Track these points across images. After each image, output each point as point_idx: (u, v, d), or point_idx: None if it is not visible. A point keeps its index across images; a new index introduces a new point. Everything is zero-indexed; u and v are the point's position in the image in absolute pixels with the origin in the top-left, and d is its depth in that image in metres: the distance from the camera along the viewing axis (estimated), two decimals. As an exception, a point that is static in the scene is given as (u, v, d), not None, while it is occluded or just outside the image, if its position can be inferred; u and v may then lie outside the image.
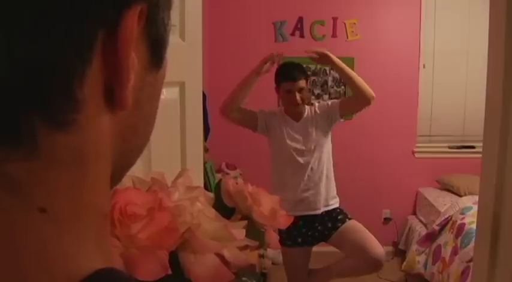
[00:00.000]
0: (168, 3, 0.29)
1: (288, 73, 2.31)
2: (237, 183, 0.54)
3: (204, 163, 1.63)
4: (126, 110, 0.26)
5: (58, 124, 0.22)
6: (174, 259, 0.47)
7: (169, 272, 0.46)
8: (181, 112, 1.05)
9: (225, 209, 0.53)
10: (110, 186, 0.28)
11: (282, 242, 2.53)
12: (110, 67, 0.24)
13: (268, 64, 2.34)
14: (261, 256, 3.36)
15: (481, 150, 1.28)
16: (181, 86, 1.04)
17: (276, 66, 2.37)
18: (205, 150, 3.11)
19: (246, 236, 0.50)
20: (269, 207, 0.54)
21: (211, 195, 0.55)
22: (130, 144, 0.30)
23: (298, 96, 2.29)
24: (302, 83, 2.30)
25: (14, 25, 0.20)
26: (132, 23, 0.24)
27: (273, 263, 3.66)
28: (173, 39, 0.28)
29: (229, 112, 2.36)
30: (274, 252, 3.56)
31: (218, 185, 0.55)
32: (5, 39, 0.20)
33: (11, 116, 0.21)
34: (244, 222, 0.52)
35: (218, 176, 3.71)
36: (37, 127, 0.22)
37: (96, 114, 0.25)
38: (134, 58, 0.25)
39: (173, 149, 1.04)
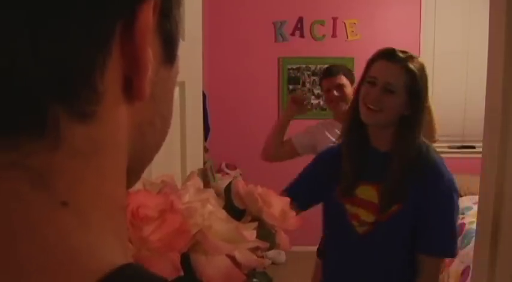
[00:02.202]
0: (178, 1, 0.29)
1: (326, 69, 2.12)
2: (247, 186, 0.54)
3: (204, 163, 1.63)
4: (143, 100, 0.26)
5: (79, 115, 0.23)
6: (185, 261, 0.47)
7: (181, 273, 0.46)
8: (181, 112, 1.05)
9: (235, 211, 0.54)
10: (126, 179, 0.29)
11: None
12: (128, 58, 0.25)
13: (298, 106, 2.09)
14: (261, 256, 3.35)
15: (481, 150, 1.28)
16: (181, 85, 1.04)
17: (307, 108, 2.14)
18: (205, 150, 3.11)
19: (256, 237, 0.50)
20: (279, 208, 0.54)
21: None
22: (148, 139, 0.31)
23: (335, 92, 2.04)
24: (340, 79, 2.05)
25: (38, 22, 0.20)
26: (148, 14, 0.25)
27: (273, 263, 3.66)
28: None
29: (271, 159, 2.22)
30: (274, 253, 3.56)
31: (228, 187, 0.56)
32: (29, 30, 0.20)
33: (37, 107, 0.21)
34: (255, 224, 0.52)
35: (218, 176, 3.71)
36: (60, 118, 0.22)
37: (114, 105, 0.25)
38: (149, 51, 0.25)
39: (173, 149, 1.03)
